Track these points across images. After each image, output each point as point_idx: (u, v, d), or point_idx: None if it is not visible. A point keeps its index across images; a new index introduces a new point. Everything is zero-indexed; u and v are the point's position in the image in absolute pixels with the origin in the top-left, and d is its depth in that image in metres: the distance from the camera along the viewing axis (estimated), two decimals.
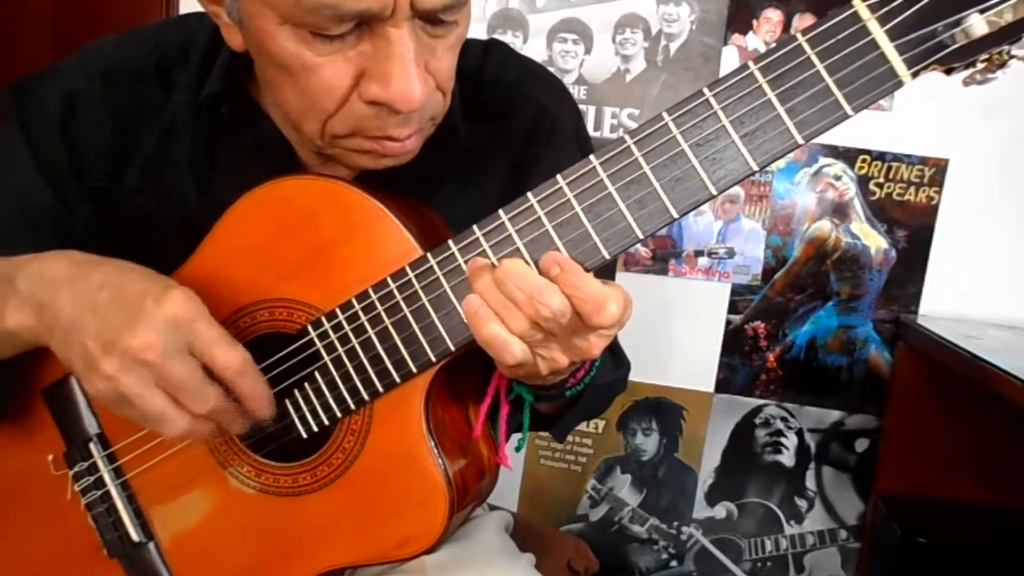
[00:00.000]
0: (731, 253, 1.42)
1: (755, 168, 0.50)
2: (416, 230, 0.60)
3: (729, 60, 1.36)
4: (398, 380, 0.59)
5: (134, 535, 0.66)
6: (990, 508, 1.34)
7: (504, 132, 0.75)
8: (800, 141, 0.49)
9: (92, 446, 0.67)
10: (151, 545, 0.67)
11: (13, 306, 0.60)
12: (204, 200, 0.71)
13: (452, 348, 0.57)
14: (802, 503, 1.49)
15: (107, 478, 0.66)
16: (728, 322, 1.44)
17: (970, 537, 1.28)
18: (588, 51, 1.40)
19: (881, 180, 1.36)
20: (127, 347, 0.54)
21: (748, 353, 1.45)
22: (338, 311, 0.60)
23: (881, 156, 1.36)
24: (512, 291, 0.51)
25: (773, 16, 1.34)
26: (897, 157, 1.36)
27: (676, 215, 0.52)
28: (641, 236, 0.52)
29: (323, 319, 0.61)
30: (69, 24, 1.52)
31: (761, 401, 1.47)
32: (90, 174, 0.72)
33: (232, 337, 0.58)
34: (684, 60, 1.38)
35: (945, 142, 1.34)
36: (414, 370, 0.59)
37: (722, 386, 1.47)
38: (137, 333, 0.54)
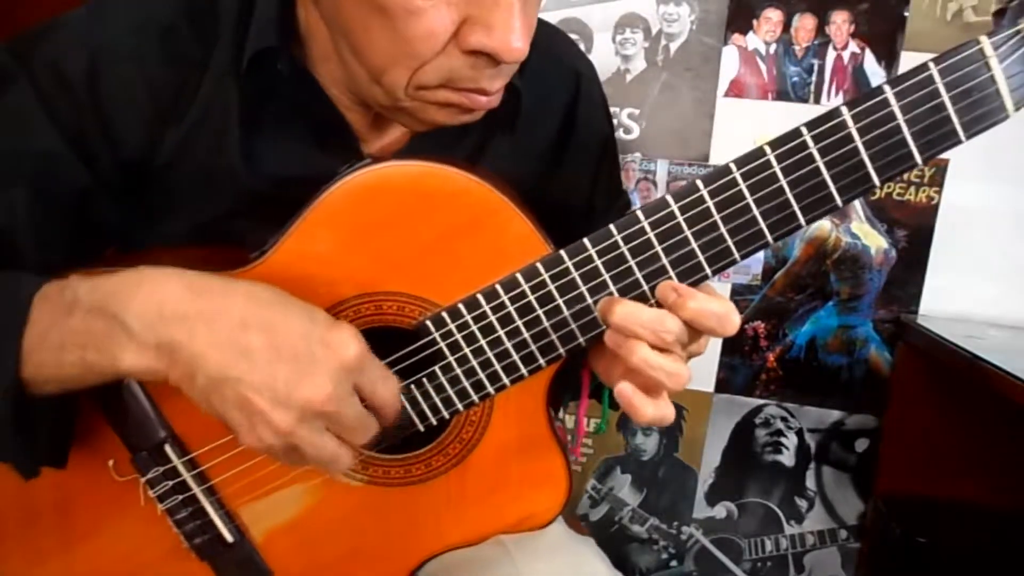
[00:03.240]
0: None
1: (877, 184, 0.53)
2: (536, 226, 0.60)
3: (729, 60, 1.36)
4: (526, 375, 0.60)
5: (228, 536, 0.64)
6: (990, 508, 1.34)
7: (547, 95, 0.75)
8: (920, 163, 0.52)
9: (168, 450, 0.62)
10: (245, 544, 0.65)
11: (132, 350, 0.52)
12: (253, 171, 0.65)
13: (583, 343, 0.58)
14: (802, 503, 1.49)
15: (191, 482, 0.63)
16: None
17: (970, 537, 1.28)
18: (588, 51, 1.40)
19: None
20: (306, 401, 0.51)
21: (748, 353, 1.45)
22: (463, 308, 0.59)
23: None
24: (636, 330, 0.54)
25: (773, 16, 1.34)
26: None
27: (771, 240, 0.55)
28: (739, 258, 0.56)
29: (445, 316, 0.59)
30: None
31: (761, 401, 1.46)
32: (123, 144, 0.63)
33: (387, 368, 0.57)
34: (684, 60, 1.38)
35: None
36: (543, 364, 0.59)
37: (722, 386, 1.47)
38: (316, 385, 0.51)
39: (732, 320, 0.54)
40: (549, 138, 0.77)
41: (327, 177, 0.62)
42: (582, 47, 1.40)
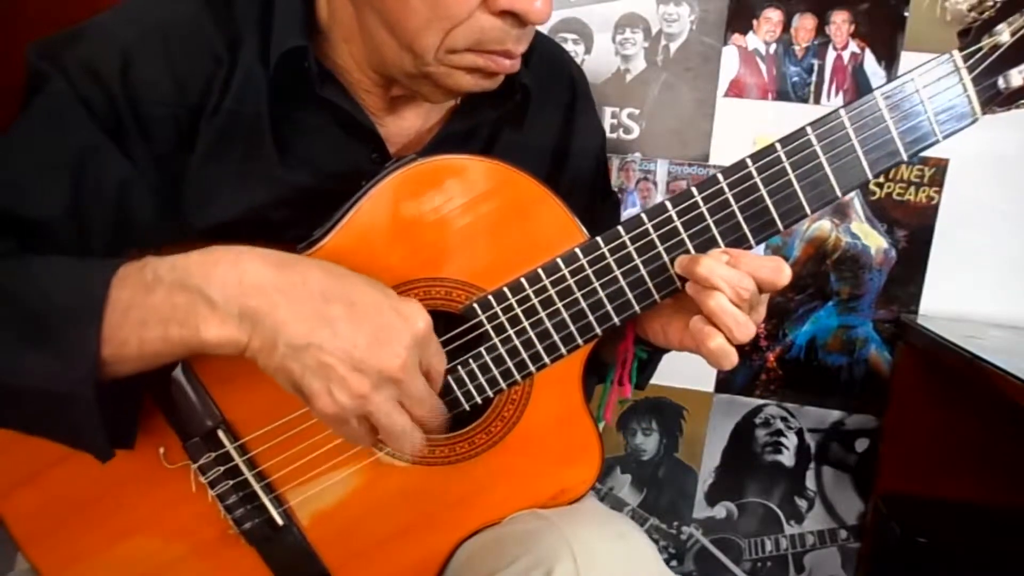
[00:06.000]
0: None
1: (870, 177, 0.61)
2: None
3: (729, 60, 1.36)
4: (565, 353, 0.64)
5: (279, 520, 0.66)
6: (990, 508, 1.34)
7: (548, 96, 0.79)
8: (905, 159, 0.61)
9: (221, 435, 0.64)
10: (293, 527, 0.67)
11: (215, 322, 0.54)
12: (288, 162, 0.68)
13: (617, 323, 0.64)
14: (802, 503, 1.49)
15: (243, 467, 0.65)
16: None
17: (970, 537, 1.28)
18: (588, 51, 1.40)
19: (881, 180, 1.36)
20: (382, 366, 0.54)
21: (748, 353, 1.45)
22: (508, 292, 0.63)
23: None
24: (716, 282, 0.59)
25: (773, 16, 1.34)
26: None
27: (781, 228, 0.62)
28: (781, 228, 0.63)
29: (491, 299, 0.63)
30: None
31: (761, 401, 1.46)
32: (156, 138, 0.65)
33: (439, 344, 0.60)
34: (684, 60, 1.38)
35: (945, 142, 1.33)
36: (581, 343, 0.64)
37: (722, 386, 1.47)
38: (392, 353, 0.54)
39: (785, 271, 0.59)
40: (551, 137, 0.81)
41: (358, 164, 0.66)
42: (582, 47, 1.41)
